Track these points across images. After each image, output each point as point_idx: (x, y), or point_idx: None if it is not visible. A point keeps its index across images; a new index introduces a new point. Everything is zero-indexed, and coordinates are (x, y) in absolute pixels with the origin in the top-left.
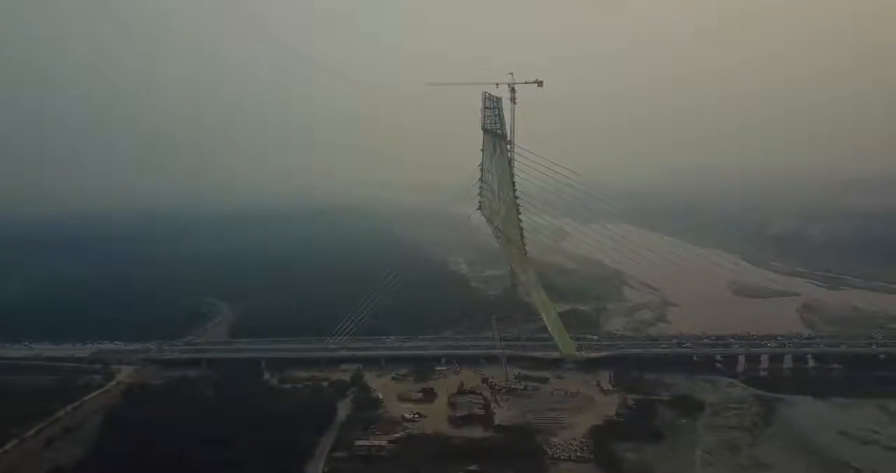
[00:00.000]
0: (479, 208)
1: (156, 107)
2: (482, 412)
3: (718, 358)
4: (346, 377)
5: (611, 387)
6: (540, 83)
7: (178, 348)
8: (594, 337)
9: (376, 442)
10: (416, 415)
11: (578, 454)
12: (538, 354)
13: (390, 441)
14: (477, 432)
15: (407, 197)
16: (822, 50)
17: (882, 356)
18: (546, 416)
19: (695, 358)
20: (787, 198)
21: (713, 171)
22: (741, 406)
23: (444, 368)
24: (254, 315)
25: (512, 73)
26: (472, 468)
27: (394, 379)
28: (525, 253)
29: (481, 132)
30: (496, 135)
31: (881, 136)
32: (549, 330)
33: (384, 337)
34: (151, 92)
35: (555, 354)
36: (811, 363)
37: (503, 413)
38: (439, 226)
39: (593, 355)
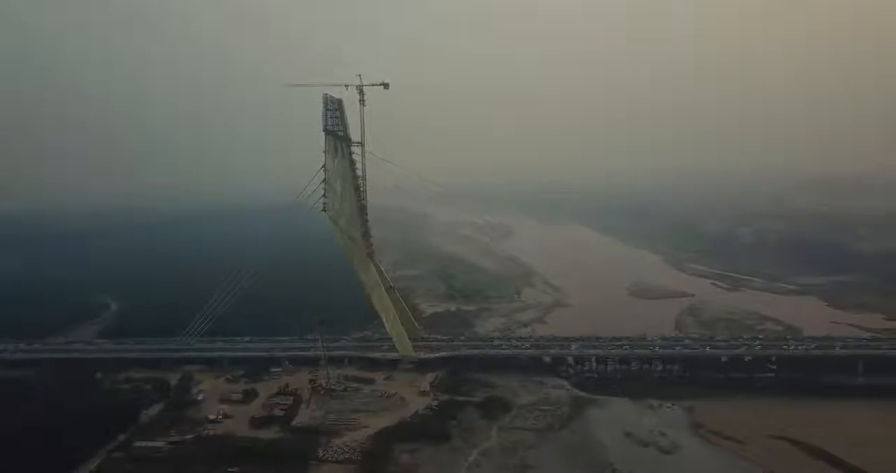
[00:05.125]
0: (324, 209)
1: None
2: (283, 413)
3: (569, 359)
4: (177, 378)
5: (429, 389)
6: (386, 85)
7: (33, 348)
8: (442, 337)
9: (154, 443)
10: (222, 417)
11: (346, 456)
12: (377, 355)
13: (170, 443)
14: (269, 433)
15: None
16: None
17: (724, 358)
18: (346, 418)
19: (546, 360)
20: (736, 198)
21: (676, 173)
22: (551, 407)
23: (280, 370)
24: (137, 314)
25: (360, 75)
26: (234, 469)
27: (227, 380)
28: (367, 253)
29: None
30: (338, 137)
31: (850, 137)
32: (388, 329)
33: (238, 338)
34: None
35: (395, 354)
36: (657, 365)
37: (305, 415)
38: (390, 225)
39: (431, 356)
